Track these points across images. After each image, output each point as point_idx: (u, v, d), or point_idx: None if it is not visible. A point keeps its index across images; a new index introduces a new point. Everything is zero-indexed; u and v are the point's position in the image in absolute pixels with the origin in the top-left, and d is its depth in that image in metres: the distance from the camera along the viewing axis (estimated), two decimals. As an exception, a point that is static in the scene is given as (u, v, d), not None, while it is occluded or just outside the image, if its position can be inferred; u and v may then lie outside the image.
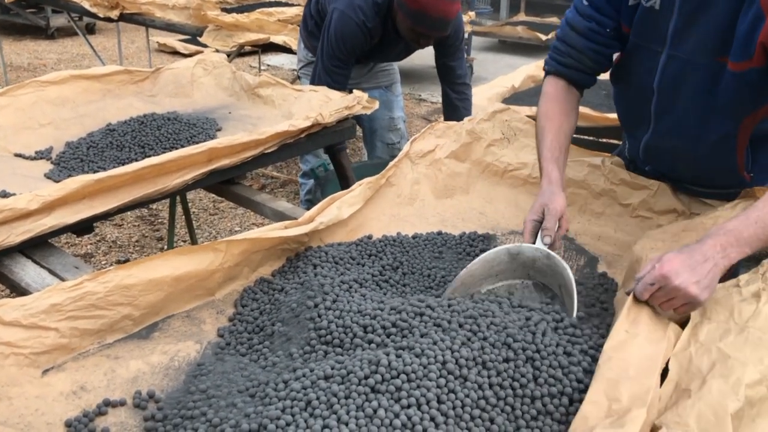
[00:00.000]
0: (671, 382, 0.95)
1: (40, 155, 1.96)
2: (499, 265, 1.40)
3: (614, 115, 1.91)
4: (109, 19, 4.55)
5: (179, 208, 3.13)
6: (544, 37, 8.16)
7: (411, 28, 2.46)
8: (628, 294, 1.17)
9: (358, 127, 2.79)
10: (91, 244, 3.53)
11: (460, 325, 1.16)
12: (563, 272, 1.31)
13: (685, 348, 0.99)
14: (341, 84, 2.60)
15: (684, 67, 1.40)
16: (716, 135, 1.44)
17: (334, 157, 2.44)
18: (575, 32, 1.55)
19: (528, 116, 2.55)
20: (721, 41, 1.33)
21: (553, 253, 1.35)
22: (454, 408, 1.00)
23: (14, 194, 1.61)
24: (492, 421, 1.00)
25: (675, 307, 1.12)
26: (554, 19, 9.41)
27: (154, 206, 3.87)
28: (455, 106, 2.88)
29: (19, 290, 1.37)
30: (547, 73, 1.65)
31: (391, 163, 1.79)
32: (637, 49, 1.50)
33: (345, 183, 2.48)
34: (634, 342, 1.02)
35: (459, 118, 2.86)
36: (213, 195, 3.91)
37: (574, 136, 1.62)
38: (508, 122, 1.92)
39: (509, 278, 1.43)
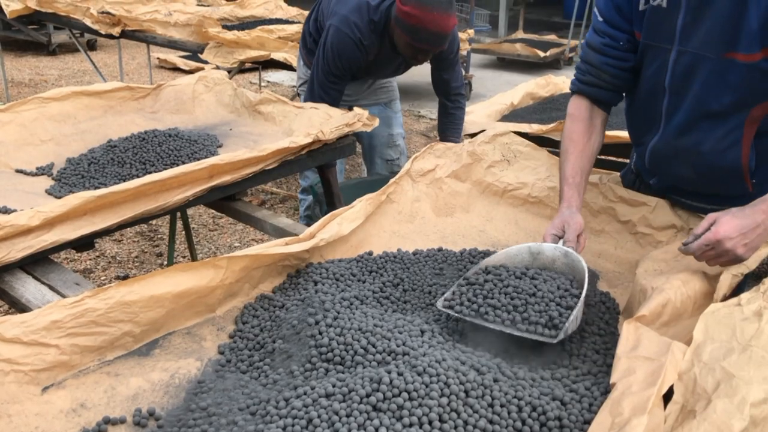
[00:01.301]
0: (676, 404, 0.95)
1: (41, 171, 1.96)
2: (521, 262, 1.46)
3: (622, 133, 1.92)
4: (110, 36, 4.58)
5: (179, 224, 3.13)
6: (542, 54, 8.22)
7: (408, 43, 2.48)
8: (680, 249, 1.33)
9: (357, 144, 2.80)
10: (90, 259, 3.53)
11: (464, 344, 1.15)
12: (580, 267, 1.37)
13: (689, 369, 0.98)
14: (335, 99, 2.60)
15: (694, 62, 1.42)
16: (723, 129, 1.45)
17: (322, 173, 2.44)
18: (592, 50, 1.60)
19: (528, 133, 2.57)
20: (730, 33, 1.35)
21: (570, 250, 1.41)
22: (456, 427, 0.99)
23: (15, 210, 1.61)
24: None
25: (721, 263, 1.29)
26: (552, 37, 9.48)
27: (153, 222, 3.87)
28: (450, 114, 2.90)
29: (19, 306, 1.37)
30: (572, 93, 1.69)
31: (392, 180, 1.80)
32: (648, 50, 1.52)
33: (330, 199, 2.49)
34: (636, 364, 1.02)
35: (454, 125, 2.87)
36: (213, 211, 3.92)
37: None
38: (509, 145, 1.93)
39: None
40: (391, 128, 3.15)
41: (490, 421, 1.02)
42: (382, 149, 3.18)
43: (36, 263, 1.48)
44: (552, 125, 2.52)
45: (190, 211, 3.81)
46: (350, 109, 2.27)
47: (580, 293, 1.30)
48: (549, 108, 3.16)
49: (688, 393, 0.96)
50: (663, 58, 1.48)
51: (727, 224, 1.27)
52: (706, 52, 1.39)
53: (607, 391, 1.09)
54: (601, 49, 1.57)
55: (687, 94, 1.46)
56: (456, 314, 1.31)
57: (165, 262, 3.49)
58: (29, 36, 8.29)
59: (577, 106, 1.64)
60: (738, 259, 1.28)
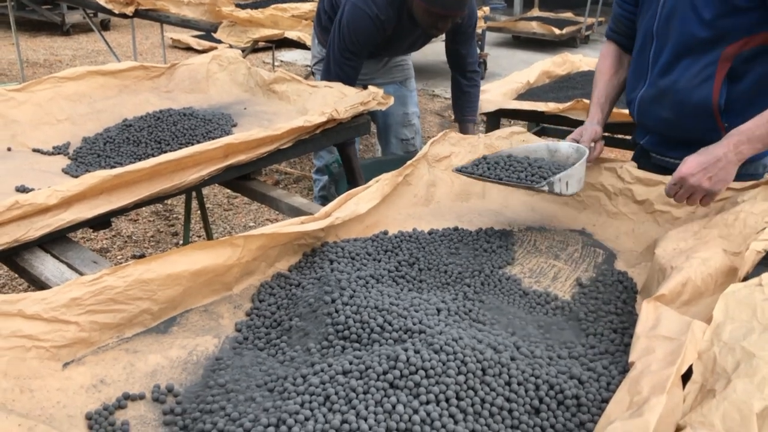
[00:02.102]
0: (696, 383, 0.94)
1: (57, 150, 1.97)
2: (540, 158, 1.69)
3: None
4: (124, 16, 4.57)
5: (194, 203, 3.14)
6: (558, 32, 8.11)
7: (427, 10, 2.43)
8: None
9: (372, 123, 2.79)
10: (106, 238, 3.56)
11: (481, 322, 1.15)
12: (582, 154, 1.61)
13: (708, 348, 0.97)
14: (351, 77, 2.58)
15: (675, 3, 1.58)
16: (698, 66, 1.58)
17: (343, 150, 2.42)
18: (615, 2, 1.85)
19: (544, 112, 2.54)
20: None
21: (583, 146, 1.66)
22: (473, 405, 0.99)
23: (33, 189, 1.62)
24: (512, 414, 1.00)
25: (695, 201, 1.45)
26: (568, 15, 9.34)
27: (169, 201, 3.89)
28: (465, 92, 2.86)
29: (38, 284, 1.38)
30: (606, 38, 1.94)
31: (409, 162, 1.79)
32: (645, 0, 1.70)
33: (351, 176, 2.47)
34: (656, 343, 1.01)
35: (470, 103, 2.84)
36: (228, 190, 3.93)
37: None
38: (525, 143, 1.92)
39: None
40: (407, 107, 3.13)
41: (508, 399, 1.02)
42: (397, 128, 3.16)
43: (54, 242, 1.49)
44: (569, 104, 2.49)
45: (205, 191, 3.82)
46: (365, 87, 2.26)
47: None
48: (565, 86, 3.11)
49: (708, 372, 0.96)
50: (656, 4, 1.64)
51: (690, 161, 1.43)
52: None
53: (625, 370, 1.09)
54: (618, 1, 1.82)
55: (669, 34, 1.62)
56: (463, 173, 1.65)
57: (180, 242, 3.51)
58: (43, 16, 8.32)
59: (607, 48, 1.90)
60: (710, 193, 1.42)
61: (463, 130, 2.88)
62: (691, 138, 1.66)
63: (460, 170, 1.68)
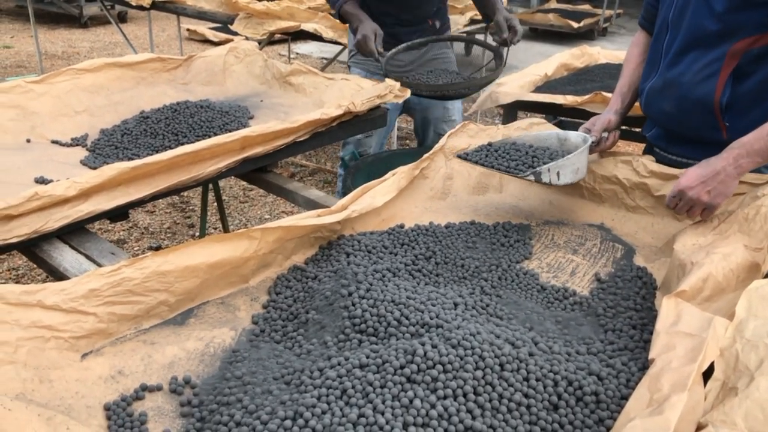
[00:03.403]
0: (717, 381, 0.93)
1: (76, 142, 1.98)
2: (549, 146, 1.71)
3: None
4: (141, 8, 4.58)
5: (211, 195, 3.15)
6: (575, 25, 8.03)
7: None
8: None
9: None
10: (123, 230, 3.58)
11: (498, 317, 1.14)
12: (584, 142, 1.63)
13: (730, 345, 0.96)
14: None
15: None
16: (705, 61, 1.56)
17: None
18: None
19: (563, 105, 2.52)
20: None
21: (588, 136, 1.66)
22: (491, 400, 0.99)
23: (51, 180, 1.64)
24: (530, 410, 0.99)
25: (696, 214, 1.44)
26: (586, 7, 9.25)
27: (185, 193, 3.91)
28: None
29: (57, 275, 1.39)
30: (639, 26, 1.92)
31: (426, 155, 1.78)
32: None
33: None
34: (676, 340, 1.00)
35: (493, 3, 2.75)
36: (243, 183, 3.94)
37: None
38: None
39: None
40: (447, 101, 2.98)
41: (526, 395, 1.01)
42: (437, 123, 3.01)
43: (72, 233, 1.50)
44: (587, 96, 2.46)
45: (221, 183, 3.84)
46: (399, 79, 2.22)
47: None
48: (584, 79, 3.08)
49: (730, 370, 0.94)
50: None
51: (689, 174, 1.42)
52: None
53: (644, 366, 1.08)
54: None
55: (682, 25, 1.59)
56: (461, 158, 1.71)
57: (196, 234, 3.53)
58: (61, 8, 8.37)
59: (638, 37, 1.88)
60: (710, 207, 1.41)
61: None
62: (691, 134, 1.65)
63: (460, 156, 1.73)
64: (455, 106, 3.02)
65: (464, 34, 4.51)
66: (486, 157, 1.69)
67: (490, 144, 1.74)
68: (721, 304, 1.17)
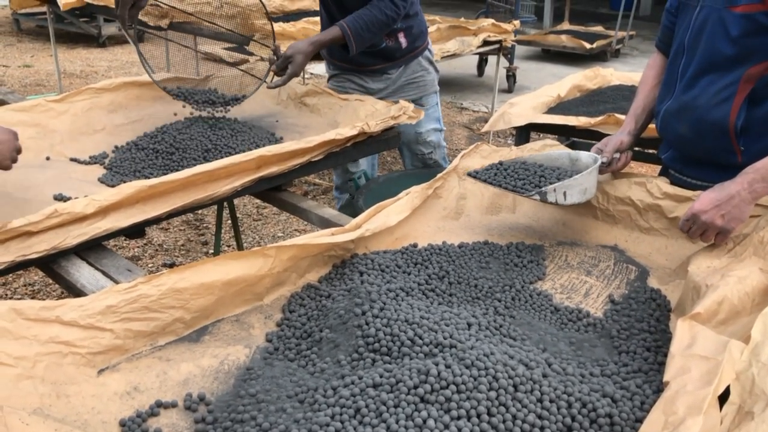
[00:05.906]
0: (733, 405, 0.92)
1: (94, 160, 2.01)
2: (560, 165, 1.72)
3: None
4: (158, 28, 4.66)
5: (225, 213, 3.17)
6: (588, 46, 8.06)
7: None
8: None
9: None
10: (138, 247, 3.61)
11: (512, 338, 1.14)
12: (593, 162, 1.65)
13: (746, 369, 0.95)
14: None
15: (706, 16, 1.57)
16: (720, 84, 1.56)
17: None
18: (665, 11, 1.83)
19: (575, 126, 2.52)
20: None
21: (599, 156, 1.68)
22: (504, 421, 0.99)
23: (70, 197, 1.66)
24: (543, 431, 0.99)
25: (710, 237, 1.43)
26: (599, 28, 9.28)
27: (199, 211, 3.94)
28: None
29: (74, 291, 1.41)
30: (656, 48, 1.94)
31: (440, 175, 1.79)
32: (682, 9, 1.69)
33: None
34: (691, 363, 0.99)
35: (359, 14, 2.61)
36: (257, 201, 3.96)
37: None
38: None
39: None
40: (419, 126, 2.78)
41: (539, 416, 1.01)
42: (411, 145, 2.95)
43: (89, 249, 1.52)
44: (600, 118, 2.47)
45: (235, 201, 3.86)
46: (396, 101, 2.25)
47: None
48: (597, 101, 3.09)
49: (746, 394, 0.93)
50: (690, 16, 1.63)
51: (703, 198, 1.41)
52: (715, 4, 1.54)
53: (659, 389, 1.07)
54: (666, 11, 1.81)
55: (698, 48, 1.60)
56: (471, 176, 1.73)
57: (210, 251, 3.55)
58: (80, 28, 8.52)
59: (654, 58, 1.89)
60: (724, 231, 1.40)
61: None
62: (706, 157, 1.65)
63: (471, 174, 1.76)
64: (429, 128, 2.85)
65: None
66: (495, 175, 1.71)
67: (501, 163, 1.76)
68: (737, 327, 1.16)
